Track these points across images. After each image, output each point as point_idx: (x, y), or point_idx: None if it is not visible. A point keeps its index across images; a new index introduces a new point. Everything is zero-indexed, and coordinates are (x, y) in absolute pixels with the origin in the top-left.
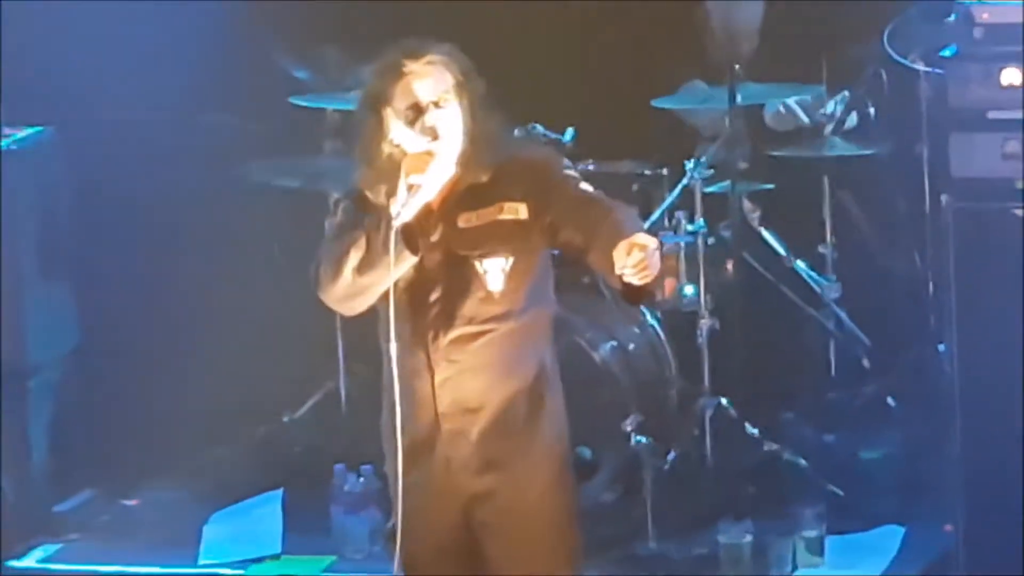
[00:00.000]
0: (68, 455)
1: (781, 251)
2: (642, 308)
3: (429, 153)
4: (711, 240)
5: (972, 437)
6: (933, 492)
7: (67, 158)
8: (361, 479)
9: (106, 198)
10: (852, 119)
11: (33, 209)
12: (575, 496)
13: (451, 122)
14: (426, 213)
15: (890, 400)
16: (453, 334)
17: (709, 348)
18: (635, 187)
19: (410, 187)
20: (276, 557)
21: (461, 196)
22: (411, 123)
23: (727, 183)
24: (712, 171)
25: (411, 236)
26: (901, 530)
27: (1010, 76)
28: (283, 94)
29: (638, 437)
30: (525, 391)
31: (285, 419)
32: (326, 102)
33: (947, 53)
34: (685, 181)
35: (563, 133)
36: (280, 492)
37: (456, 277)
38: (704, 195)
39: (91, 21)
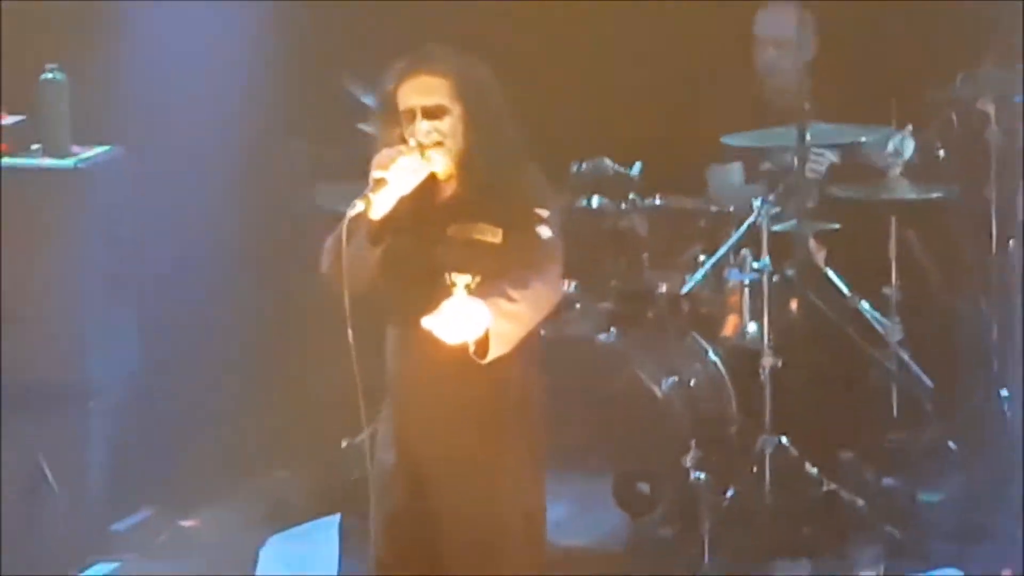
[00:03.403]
0: (127, 474)
1: (845, 291)
2: (704, 343)
3: (400, 151)
4: (776, 278)
5: None
6: (992, 537)
7: (135, 179)
8: None
9: (172, 220)
10: (908, 150)
11: (98, 229)
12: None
13: (444, 131)
14: (418, 216)
15: (951, 444)
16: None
17: (771, 386)
18: (702, 223)
19: (375, 181)
20: None
21: (451, 205)
22: (406, 126)
23: (794, 222)
24: (779, 209)
25: (376, 228)
26: (959, 574)
27: None
28: (352, 121)
29: (697, 473)
30: (482, 410)
31: (344, 444)
32: None
33: (1019, 99)
34: (752, 219)
35: (631, 167)
36: (338, 517)
37: (428, 284)
38: (771, 233)
39: (164, 43)
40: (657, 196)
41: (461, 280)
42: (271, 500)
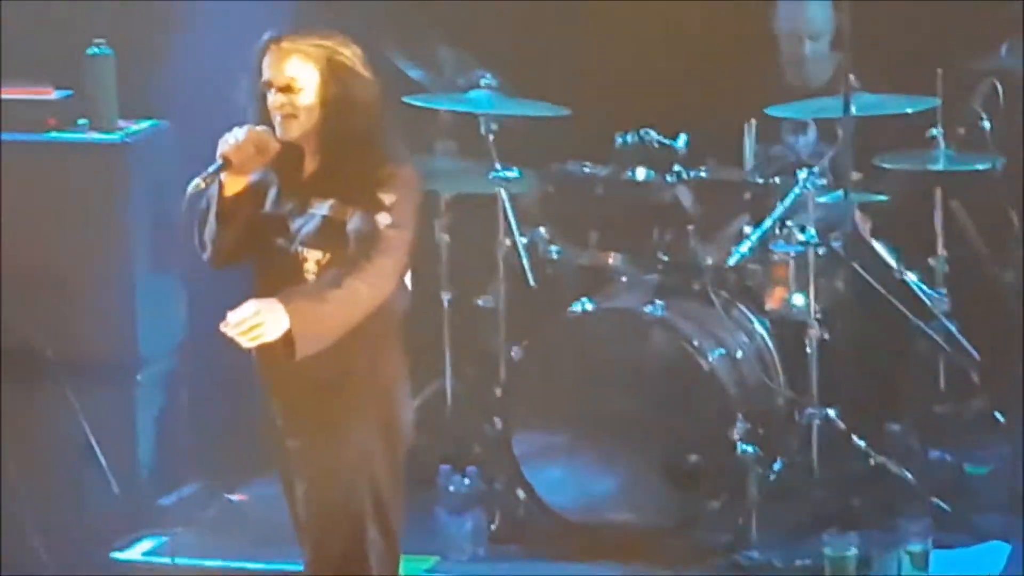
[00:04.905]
0: (174, 448)
1: (892, 263)
2: (750, 316)
3: (247, 129)
4: (822, 250)
5: None
6: None
7: (182, 152)
8: (466, 480)
9: None
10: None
11: (146, 202)
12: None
13: (297, 105)
14: (283, 189)
15: (998, 415)
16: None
17: (817, 358)
18: (747, 195)
19: (222, 156)
20: None
21: (312, 180)
22: (262, 98)
23: (839, 193)
24: (824, 181)
25: (226, 206)
26: (1007, 547)
27: None
28: (397, 94)
29: (744, 446)
30: (331, 388)
31: None
32: (439, 102)
33: None
34: (797, 191)
35: (676, 138)
36: None
37: (281, 258)
38: (816, 205)
39: (210, 17)
40: (702, 168)
41: (312, 256)
42: None
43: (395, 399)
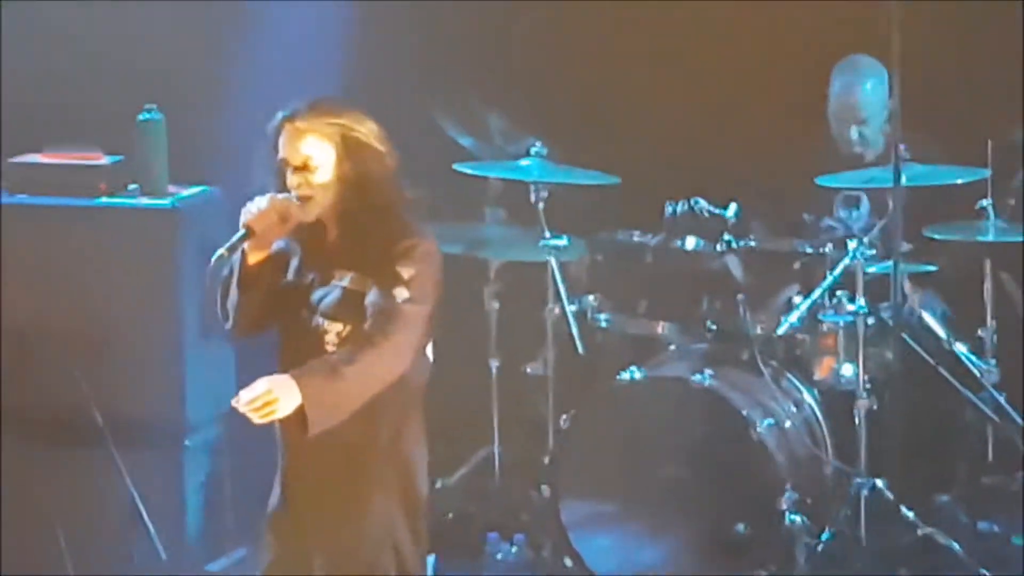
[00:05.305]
0: (222, 514)
1: (941, 333)
2: (799, 385)
3: (270, 199)
4: (871, 320)
5: None
6: None
7: (232, 218)
8: (514, 548)
9: None
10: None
11: (195, 267)
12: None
13: (313, 184)
14: (305, 260)
15: None
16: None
17: (866, 428)
18: (797, 265)
19: (245, 226)
20: None
21: (333, 252)
22: (280, 174)
23: (889, 264)
24: (874, 251)
25: (248, 275)
26: None
27: None
28: (447, 161)
29: (792, 515)
30: (354, 456)
31: (438, 484)
32: (489, 170)
33: None
34: (847, 261)
35: (726, 207)
36: (432, 558)
37: (303, 329)
38: (865, 275)
39: (260, 83)
40: (752, 238)
41: (333, 327)
42: None
43: (415, 469)
